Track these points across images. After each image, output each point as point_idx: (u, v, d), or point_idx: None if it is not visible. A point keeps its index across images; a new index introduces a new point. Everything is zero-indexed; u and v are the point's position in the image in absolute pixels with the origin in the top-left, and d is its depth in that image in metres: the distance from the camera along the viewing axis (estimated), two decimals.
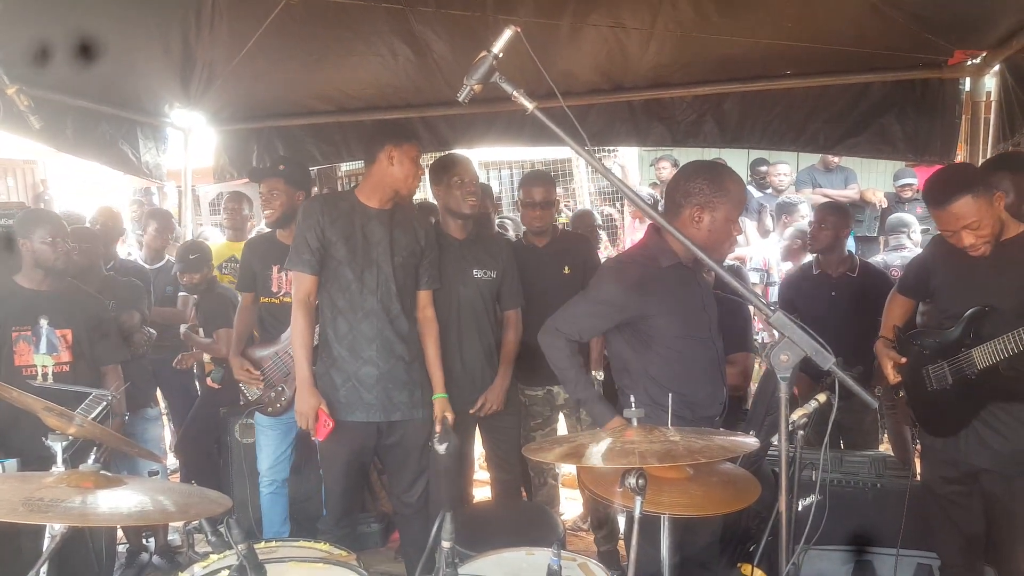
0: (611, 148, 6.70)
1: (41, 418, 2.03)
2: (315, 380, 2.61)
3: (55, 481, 1.65)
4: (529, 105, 1.61)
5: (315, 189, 5.77)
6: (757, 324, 3.81)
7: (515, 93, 1.60)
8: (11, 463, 2.43)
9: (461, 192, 2.89)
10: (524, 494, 3.46)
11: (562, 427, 3.43)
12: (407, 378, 2.65)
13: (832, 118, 3.74)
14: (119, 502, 1.57)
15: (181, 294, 4.21)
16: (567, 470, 3.69)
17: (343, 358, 2.61)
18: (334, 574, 1.76)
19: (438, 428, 2.65)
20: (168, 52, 3.67)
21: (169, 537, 3.65)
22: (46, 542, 1.67)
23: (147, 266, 4.46)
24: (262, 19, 3.31)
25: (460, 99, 1.63)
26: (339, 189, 6.20)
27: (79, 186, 8.52)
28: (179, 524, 3.25)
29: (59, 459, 1.95)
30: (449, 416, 2.70)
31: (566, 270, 3.11)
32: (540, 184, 3.17)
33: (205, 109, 4.36)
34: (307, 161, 4.62)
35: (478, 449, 3.37)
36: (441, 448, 2.40)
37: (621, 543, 3.33)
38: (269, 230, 3.34)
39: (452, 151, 3.81)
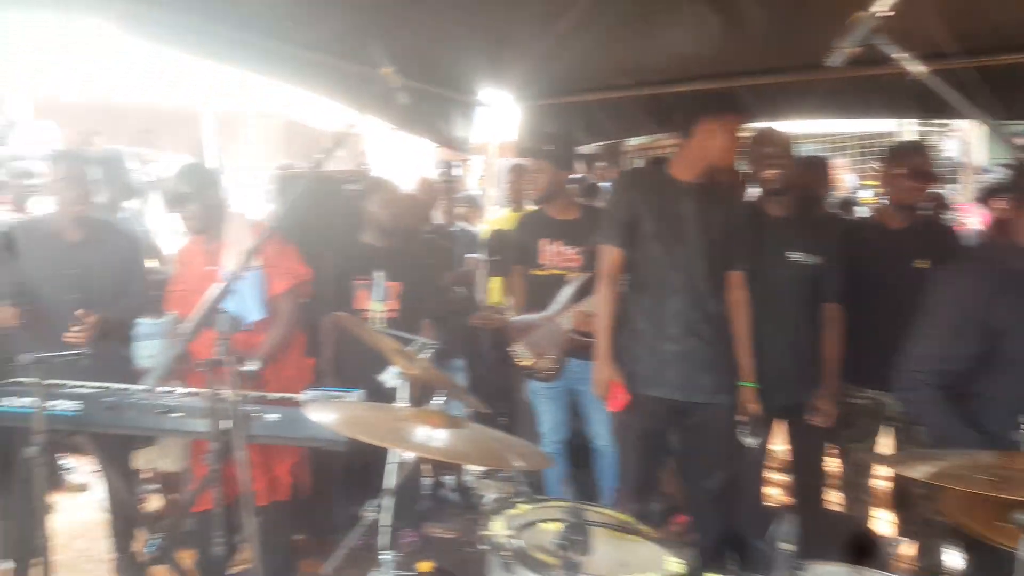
0: (945, 121, 5.72)
1: (388, 357, 2.32)
2: (615, 352, 2.62)
3: (408, 416, 1.88)
4: (923, 69, 1.41)
5: (602, 164, 5.88)
6: None
7: (901, 56, 1.41)
8: (360, 393, 2.81)
9: (765, 164, 2.73)
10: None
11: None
12: (711, 361, 2.56)
13: None
14: (458, 441, 1.72)
15: (468, 256, 4.54)
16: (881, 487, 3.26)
17: (645, 332, 2.59)
18: (647, 553, 1.74)
19: (743, 418, 2.52)
20: (475, 33, 3.90)
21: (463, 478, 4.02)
22: (388, 468, 1.91)
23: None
24: None
25: (833, 64, 1.48)
26: (621, 165, 6.21)
27: (391, 157, 9.72)
28: (474, 468, 3.54)
29: (404, 395, 2.24)
30: (753, 407, 2.55)
31: (918, 263, 2.67)
32: (924, 153, 2.87)
33: (511, 86, 4.62)
34: (593, 138, 4.65)
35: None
36: (752, 442, 2.27)
37: None
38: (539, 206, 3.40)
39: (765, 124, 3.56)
